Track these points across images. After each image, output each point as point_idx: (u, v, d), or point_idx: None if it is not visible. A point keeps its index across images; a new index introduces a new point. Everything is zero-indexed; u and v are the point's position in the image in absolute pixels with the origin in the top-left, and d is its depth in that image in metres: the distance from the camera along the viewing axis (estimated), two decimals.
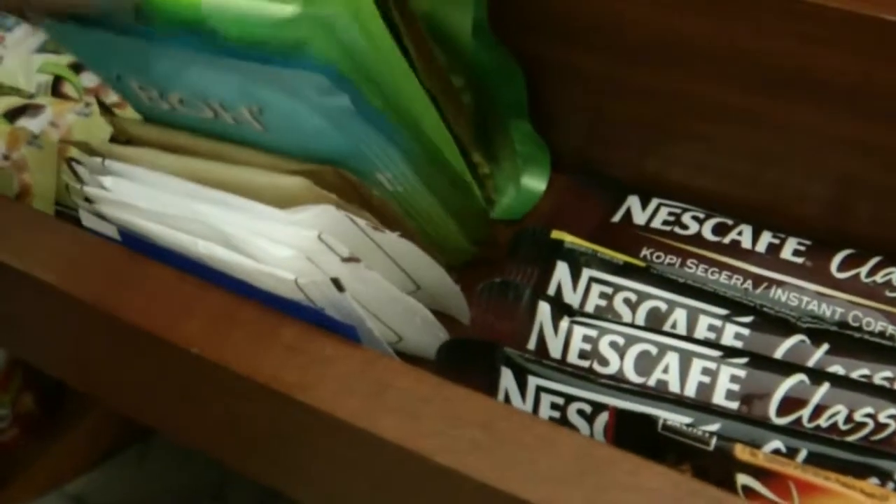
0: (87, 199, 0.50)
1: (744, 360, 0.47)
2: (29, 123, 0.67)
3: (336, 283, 0.42)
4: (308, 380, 0.42)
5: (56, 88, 0.70)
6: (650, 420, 0.43)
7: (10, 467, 1.01)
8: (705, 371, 0.47)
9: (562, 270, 0.52)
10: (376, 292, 0.45)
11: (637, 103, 0.55)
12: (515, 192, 0.59)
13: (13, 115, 0.68)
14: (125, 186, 0.48)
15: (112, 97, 0.67)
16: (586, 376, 0.46)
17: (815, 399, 0.46)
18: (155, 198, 0.47)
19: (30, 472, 1.03)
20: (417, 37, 0.49)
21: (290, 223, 0.44)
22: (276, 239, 0.44)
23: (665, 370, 0.47)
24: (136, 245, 0.48)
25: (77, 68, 0.70)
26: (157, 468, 1.03)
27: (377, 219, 0.47)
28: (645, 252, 0.53)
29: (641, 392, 0.46)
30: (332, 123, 0.45)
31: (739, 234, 0.53)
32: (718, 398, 0.47)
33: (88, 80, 0.70)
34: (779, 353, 0.48)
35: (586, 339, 0.49)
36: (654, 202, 0.55)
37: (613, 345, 0.48)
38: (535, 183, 0.59)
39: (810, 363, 0.47)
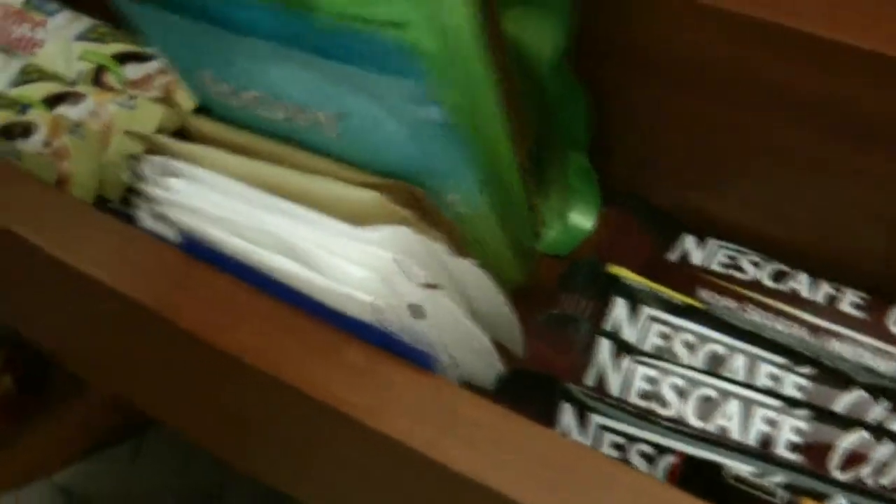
0: (147, 198, 0.49)
1: (806, 413, 0.46)
2: (69, 111, 0.66)
3: (414, 309, 0.41)
4: (377, 404, 0.41)
5: (98, 78, 0.69)
6: (719, 468, 0.43)
7: None
8: (767, 420, 0.46)
9: (619, 306, 0.51)
10: (446, 318, 0.44)
11: (700, 139, 0.54)
12: (563, 227, 0.58)
13: (52, 101, 0.67)
14: (191, 189, 0.47)
15: (155, 91, 0.66)
16: (649, 417, 0.46)
17: (877, 455, 0.45)
18: (222, 204, 0.46)
19: (9, 454, 1.02)
20: (503, 54, 0.48)
21: (364, 241, 0.43)
22: (350, 257, 0.43)
23: (727, 417, 0.47)
24: (196, 250, 0.47)
25: (121, 59, 0.69)
26: (151, 465, 1.02)
27: (443, 238, 0.46)
28: (702, 293, 0.53)
29: (705, 437, 0.45)
30: (414, 135, 0.44)
31: (798, 282, 0.53)
32: (780, 449, 0.46)
33: (132, 71, 0.68)
34: (838, 407, 0.48)
35: (648, 379, 0.48)
36: (711, 243, 0.55)
37: (675, 387, 0.48)
38: (583, 220, 0.58)
39: (870, 418, 0.47)
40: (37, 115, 0.64)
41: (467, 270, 0.46)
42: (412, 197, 0.46)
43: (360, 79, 0.42)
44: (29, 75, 0.68)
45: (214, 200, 0.46)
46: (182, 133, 0.53)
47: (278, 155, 0.47)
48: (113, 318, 0.50)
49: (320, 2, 0.42)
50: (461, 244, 0.48)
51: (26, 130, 0.63)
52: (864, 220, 0.52)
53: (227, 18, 0.44)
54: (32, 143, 0.63)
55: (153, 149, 0.49)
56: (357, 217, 0.45)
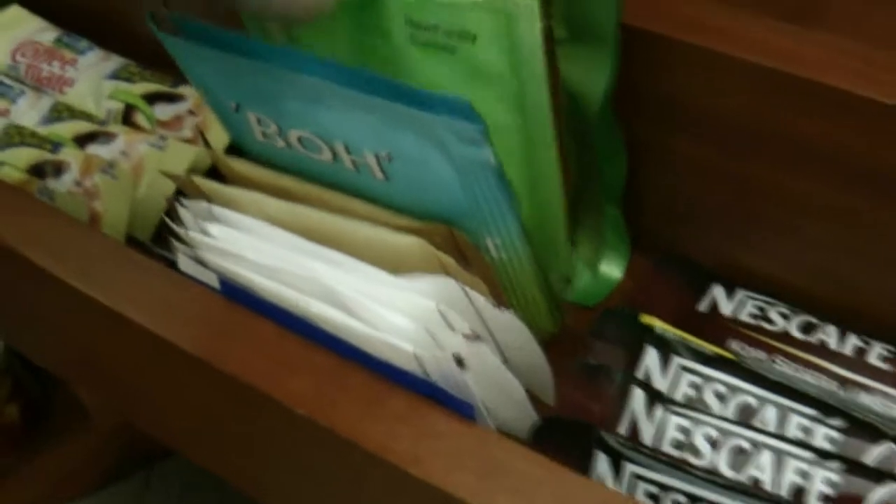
0: (187, 243, 0.49)
1: (838, 465, 0.47)
2: (99, 151, 0.66)
3: (458, 360, 0.41)
4: (420, 453, 0.41)
5: (127, 117, 0.70)
6: None
7: None
8: (799, 472, 0.47)
9: (651, 356, 0.52)
10: (486, 369, 0.45)
11: (730, 191, 0.55)
12: (592, 277, 0.59)
13: (82, 140, 0.67)
14: (232, 235, 0.48)
15: (185, 132, 0.66)
16: (683, 468, 0.46)
17: None
18: (263, 250, 0.47)
19: (13, 485, 1.02)
20: (559, 85, 0.49)
21: (407, 290, 0.44)
22: (392, 306, 0.44)
23: (759, 468, 0.47)
24: (236, 295, 0.48)
25: (151, 99, 0.69)
26: (161, 499, 1.02)
27: (482, 283, 0.47)
28: (732, 344, 0.53)
29: (739, 489, 0.45)
30: (464, 177, 0.45)
31: (826, 334, 0.53)
32: (812, 500, 0.46)
33: (162, 112, 0.69)
34: (869, 459, 0.48)
35: (681, 429, 0.48)
36: (740, 293, 0.55)
37: (708, 437, 0.48)
38: (613, 270, 0.59)
39: None
40: (69, 154, 0.65)
41: (506, 321, 0.46)
42: (453, 241, 0.46)
43: (417, 119, 0.43)
44: (59, 114, 0.69)
45: (255, 246, 0.47)
46: (215, 173, 0.53)
47: (317, 197, 0.48)
48: (149, 360, 0.50)
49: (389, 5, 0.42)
50: (499, 291, 0.48)
51: (58, 169, 0.64)
52: (891, 273, 0.52)
53: (278, 57, 0.45)
54: (64, 182, 0.64)
55: (190, 190, 0.50)
56: (398, 262, 0.45)
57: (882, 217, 0.51)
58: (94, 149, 0.66)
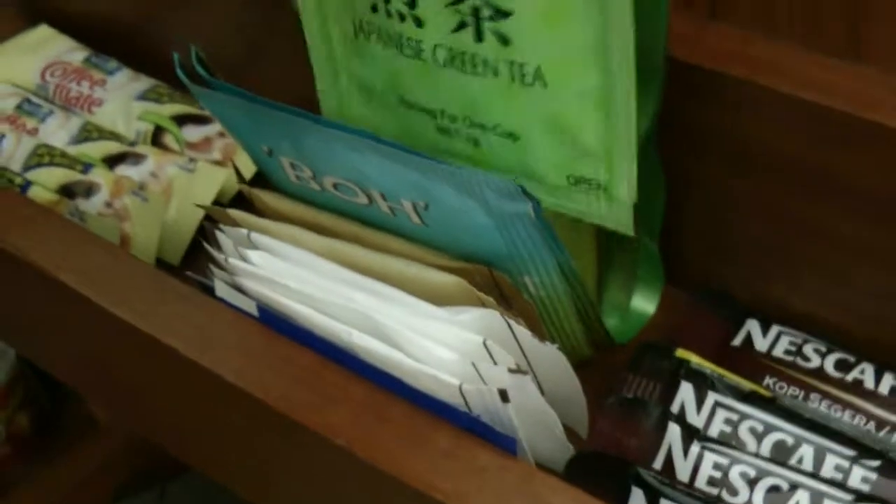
0: (226, 269, 0.49)
1: None
2: (129, 172, 0.66)
3: (503, 394, 0.41)
4: (464, 489, 0.41)
5: (157, 138, 0.70)
6: None
7: (2, 488, 0.99)
8: None
9: (686, 391, 0.52)
10: (529, 403, 0.44)
11: (768, 226, 0.55)
12: (620, 319, 0.59)
13: (112, 161, 0.67)
14: (272, 263, 0.48)
15: (215, 154, 0.66)
16: None
17: None
18: (304, 279, 0.47)
19: (25, 495, 1.02)
20: None
21: (451, 323, 0.44)
22: (437, 339, 0.44)
23: None
24: (275, 324, 0.48)
25: (180, 121, 0.69)
26: None
27: (522, 321, 0.47)
28: (768, 381, 0.53)
29: None
30: (500, 226, 0.45)
31: (862, 372, 0.53)
32: None
33: (191, 133, 0.69)
34: None
35: (717, 466, 0.48)
36: (775, 329, 0.55)
37: (744, 475, 0.48)
38: (645, 306, 0.58)
39: None
40: (99, 175, 0.65)
41: (547, 354, 0.46)
42: (492, 280, 0.46)
43: (456, 174, 0.43)
44: (89, 133, 0.69)
45: (296, 274, 0.47)
46: (242, 199, 0.53)
47: (353, 235, 0.48)
48: (186, 386, 0.50)
49: None
50: (539, 326, 0.48)
51: (88, 190, 0.64)
52: None
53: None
54: (94, 204, 0.63)
55: (225, 221, 0.50)
56: (438, 300, 0.45)
57: None
58: (124, 170, 0.66)
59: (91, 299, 0.50)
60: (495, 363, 0.43)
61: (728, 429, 0.51)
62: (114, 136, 0.69)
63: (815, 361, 0.54)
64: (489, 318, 0.44)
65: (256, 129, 0.49)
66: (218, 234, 0.49)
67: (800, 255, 0.54)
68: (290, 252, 0.48)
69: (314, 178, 0.48)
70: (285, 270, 0.47)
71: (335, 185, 0.48)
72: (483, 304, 0.45)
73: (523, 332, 0.44)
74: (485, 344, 0.43)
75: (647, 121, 0.49)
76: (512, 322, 0.44)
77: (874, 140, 0.48)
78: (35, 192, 0.63)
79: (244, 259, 0.48)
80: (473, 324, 0.44)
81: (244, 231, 0.49)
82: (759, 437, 0.50)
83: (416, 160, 0.43)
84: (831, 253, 0.53)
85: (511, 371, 0.42)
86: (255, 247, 0.48)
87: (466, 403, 0.43)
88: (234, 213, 0.50)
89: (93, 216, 0.62)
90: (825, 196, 0.52)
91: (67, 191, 0.64)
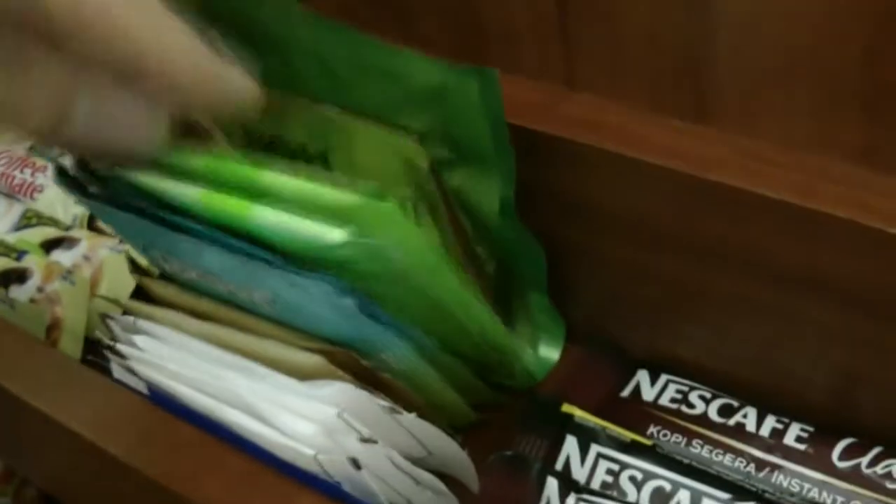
0: (118, 354, 0.52)
1: None
2: (63, 256, 0.70)
3: (354, 462, 0.44)
4: None
5: (91, 221, 0.73)
6: None
7: None
8: None
9: (570, 444, 0.54)
10: (393, 468, 0.47)
11: (651, 287, 0.56)
12: (531, 360, 0.61)
13: (49, 246, 0.71)
14: (156, 347, 0.50)
15: None
16: None
17: None
18: (183, 360, 0.50)
19: None
20: (451, 213, 0.51)
21: (312, 398, 0.46)
22: (298, 412, 0.46)
23: None
24: (164, 401, 0.50)
25: None
26: None
27: (384, 393, 0.49)
28: (652, 429, 0.55)
29: None
30: (340, 317, 0.47)
31: (744, 416, 0.55)
32: None
33: None
34: None
35: None
36: (663, 378, 0.57)
37: None
38: (549, 352, 0.61)
39: None
40: (32, 262, 0.68)
41: (413, 422, 0.48)
42: (352, 360, 0.49)
43: (283, 275, 0.46)
44: (29, 220, 0.72)
45: (176, 357, 0.50)
46: (145, 294, 0.56)
47: (230, 319, 0.51)
48: (96, 470, 0.53)
49: (263, 238, 0.45)
50: (407, 396, 0.51)
51: (21, 277, 0.67)
52: (809, 362, 0.54)
53: (163, 220, 0.48)
54: (27, 290, 0.67)
55: (122, 309, 0.53)
56: (303, 378, 0.48)
57: (790, 308, 0.52)
58: (59, 254, 0.70)
59: (6, 388, 0.53)
60: (355, 433, 0.46)
61: (610, 479, 0.53)
62: (52, 222, 0.72)
63: (700, 408, 0.56)
64: (347, 391, 0.46)
65: (130, 231, 0.52)
66: (109, 322, 0.52)
67: (679, 311, 0.56)
68: (172, 336, 0.51)
69: (182, 271, 0.52)
70: (167, 353, 0.50)
71: (200, 276, 0.51)
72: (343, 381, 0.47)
73: (382, 402, 0.47)
74: (340, 416, 0.45)
75: (498, 199, 0.52)
76: (371, 395, 0.47)
77: (721, 200, 0.50)
78: None
79: (132, 344, 0.51)
80: (332, 397, 0.46)
81: (131, 319, 0.52)
82: (639, 486, 0.52)
83: (244, 260, 0.46)
84: (710, 307, 0.55)
85: (363, 440, 0.45)
86: (141, 332, 0.51)
87: (326, 472, 0.45)
88: (129, 302, 0.54)
89: (22, 303, 0.65)
90: (699, 256, 0.54)
91: (3, 278, 0.67)
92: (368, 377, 0.49)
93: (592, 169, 0.53)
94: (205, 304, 0.52)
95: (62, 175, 0.51)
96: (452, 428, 0.52)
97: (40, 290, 0.67)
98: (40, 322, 0.65)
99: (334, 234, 0.44)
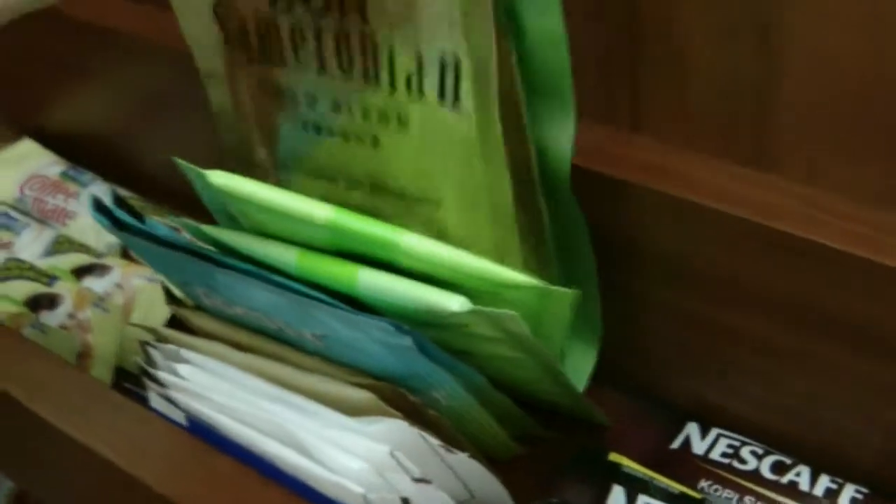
0: (158, 382, 0.50)
1: None
2: (95, 283, 0.68)
3: (405, 502, 0.42)
4: None
5: (125, 250, 0.71)
6: None
7: None
8: None
9: (618, 494, 0.52)
10: None
11: (703, 335, 0.55)
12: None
13: (80, 272, 0.69)
14: (199, 377, 0.49)
15: None
16: None
17: None
18: (228, 392, 0.48)
19: None
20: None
21: (362, 434, 0.45)
22: (347, 449, 0.44)
23: None
24: (203, 433, 0.49)
25: None
26: None
27: (433, 432, 0.48)
28: (703, 483, 0.53)
29: None
30: (392, 354, 0.46)
31: (797, 474, 0.53)
32: None
33: None
34: None
35: None
36: (714, 432, 0.56)
37: None
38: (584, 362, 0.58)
39: None
40: (63, 288, 0.67)
41: (463, 462, 0.47)
42: (400, 397, 0.47)
43: (337, 313, 0.45)
44: (60, 246, 0.71)
45: (220, 388, 0.48)
46: (181, 325, 0.55)
47: (276, 353, 0.50)
48: (120, 496, 0.51)
49: (371, 303, 0.46)
50: (453, 434, 0.49)
51: (52, 302, 0.66)
52: (863, 420, 0.52)
53: (210, 257, 0.48)
54: (57, 316, 0.65)
55: (161, 338, 0.51)
56: (350, 414, 0.46)
57: (849, 365, 0.51)
58: (91, 281, 0.68)
59: (33, 411, 0.52)
60: (404, 472, 0.44)
61: None
62: (84, 249, 0.71)
63: (752, 464, 0.54)
64: (399, 429, 0.45)
65: (168, 266, 0.51)
66: (150, 349, 0.51)
67: (731, 361, 0.55)
68: (216, 367, 0.49)
69: (228, 307, 0.50)
70: (211, 384, 0.49)
71: (246, 313, 0.50)
72: (393, 418, 0.46)
73: (433, 440, 0.45)
74: (392, 454, 0.44)
75: (570, 141, 0.50)
76: (423, 433, 0.45)
77: (785, 248, 0.49)
78: (3, 307, 0.65)
79: (174, 373, 0.50)
80: (383, 435, 0.45)
81: (174, 347, 0.50)
82: None
83: (300, 299, 0.45)
84: (759, 358, 0.54)
85: (415, 480, 0.43)
86: (184, 361, 0.50)
87: None
88: (165, 330, 0.52)
89: (53, 329, 0.64)
90: (743, 302, 0.52)
91: (34, 303, 0.66)
92: (415, 414, 0.48)
93: (652, 213, 0.52)
94: (245, 337, 0.51)
95: (99, 208, 0.50)
96: (492, 461, 0.51)
97: (71, 316, 0.65)
98: (71, 348, 0.64)
99: (451, 305, 0.44)
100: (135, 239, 0.50)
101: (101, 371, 0.64)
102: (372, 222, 0.46)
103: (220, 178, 0.47)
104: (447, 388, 0.48)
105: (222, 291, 0.50)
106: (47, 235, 0.73)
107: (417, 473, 0.43)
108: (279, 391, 0.47)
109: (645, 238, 0.53)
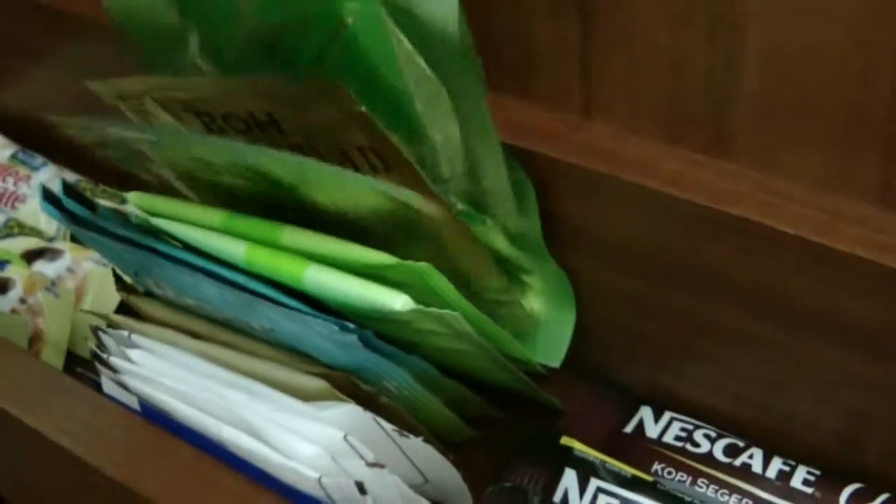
0: (110, 368, 0.50)
1: None
2: (46, 267, 0.67)
3: (360, 486, 0.42)
4: None
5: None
6: None
7: None
8: None
9: (569, 477, 0.52)
10: (394, 494, 0.45)
11: (657, 321, 0.55)
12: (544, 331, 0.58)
13: (31, 256, 0.68)
14: (151, 361, 0.49)
15: None
16: None
17: None
18: (181, 377, 0.48)
19: None
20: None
21: (315, 419, 0.45)
22: (301, 434, 0.44)
23: None
24: (156, 418, 0.48)
25: None
26: None
27: (386, 417, 0.48)
28: (656, 466, 0.54)
29: None
30: (340, 349, 0.46)
31: (750, 457, 0.54)
32: None
33: None
34: None
35: None
36: (667, 416, 0.56)
37: None
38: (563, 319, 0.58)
39: None
40: (14, 272, 0.66)
41: (416, 446, 0.47)
42: (352, 385, 0.47)
43: (281, 310, 0.45)
44: (10, 230, 0.70)
45: (172, 373, 0.48)
46: (133, 312, 0.55)
47: (228, 341, 0.50)
48: (75, 482, 0.51)
49: (315, 296, 0.45)
50: (407, 419, 0.49)
51: (3, 287, 0.65)
52: (816, 403, 0.53)
53: (159, 251, 0.48)
54: (8, 300, 0.64)
55: (113, 325, 0.51)
56: (304, 400, 0.46)
57: (798, 347, 0.51)
58: (41, 265, 0.67)
59: None
60: (359, 457, 0.44)
61: None
62: (34, 232, 0.70)
63: (705, 447, 0.54)
64: (353, 413, 0.45)
65: (119, 256, 0.51)
66: (101, 334, 0.51)
67: (685, 346, 0.55)
68: (168, 352, 0.49)
69: (177, 297, 0.50)
70: (163, 369, 0.48)
71: (196, 304, 0.49)
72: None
73: (386, 425, 0.45)
74: (346, 438, 0.43)
75: None
76: (377, 418, 0.45)
77: (740, 233, 0.49)
78: None
79: (126, 358, 0.49)
80: (337, 419, 0.45)
81: (125, 332, 0.50)
82: None
83: (245, 295, 0.45)
84: (713, 343, 0.54)
85: (369, 464, 0.43)
86: (135, 346, 0.49)
87: (329, 496, 0.43)
88: (117, 317, 0.52)
89: (4, 313, 0.63)
90: (700, 288, 0.53)
91: None
92: (368, 401, 0.47)
93: (606, 198, 0.52)
94: (196, 324, 0.51)
95: (48, 198, 0.49)
96: (448, 445, 0.51)
97: (23, 301, 0.65)
98: (22, 333, 0.63)
99: (395, 303, 0.44)
100: (84, 231, 0.49)
101: (53, 356, 0.64)
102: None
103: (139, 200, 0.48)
104: (397, 380, 0.48)
105: (172, 283, 0.49)
106: None
107: (371, 458, 0.43)
108: (232, 376, 0.47)
109: (599, 223, 0.53)
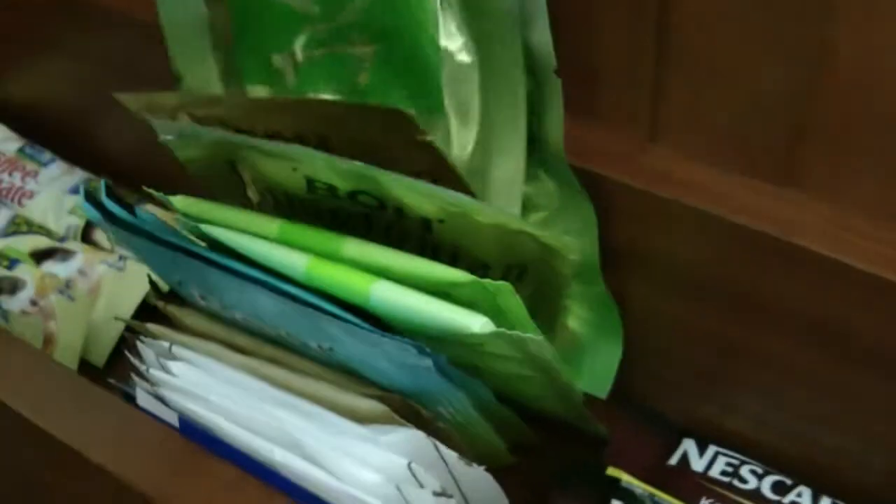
0: (148, 380, 0.48)
1: None
2: (56, 268, 0.65)
3: None
4: None
5: (86, 234, 0.68)
6: None
7: None
8: None
9: None
10: None
11: (710, 351, 0.54)
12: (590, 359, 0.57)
13: (40, 256, 0.66)
14: (194, 375, 0.46)
15: None
16: None
17: None
18: (226, 393, 0.45)
19: None
20: None
21: (376, 444, 0.42)
22: (361, 459, 0.42)
23: None
24: (195, 435, 0.46)
25: None
26: None
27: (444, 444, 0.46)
28: (704, 502, 0.52)
29: None
30: (404, 371, 0.44)
31: (799, 495, 0.52)
32: None
33: None
34: None
35: None
36: (712, 449, 0.54)
37: None
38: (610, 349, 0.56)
39: None
40: (26, 272, 0.63)
41: (475, 475, 0.45)
42: (409, 409, 0.45)
43: (351, 329, 0.42)
44: (17, 227, 0.67)
45: (218, 389, 0.46)
46: (163, 318, 0.52)
47: (270, 355, 0.47)
48: (106, 498, 0.48)
49: (383, 316, 0.43)
50: (461, 447, 0.47)
51: (14, 287, 0.62)
52: (867, 442, 0.52)
53: (212, 260, 0.45)
54: (19, 301, 0.62)
55: (153, 336, 0.49)
56: (358, 422, 0.44)
57: (855, 386, 0.50)
58: (51, 266, 0.65)
59: (7, 405, 0.49)
60: (421, 486, 0.42)
61: None
62: (43, 231, 0.67)
63: (752, 483, 0.53)
64: (414, 439, 0.43)
65: (162, 262, 0.49)
66: (139, 344, 0.48)
67: (734, 378, 0.54)
68: (212, 366, 0.46)
69: (223, 310, 0.48)
70: (207, 384, 0.46)
71: (245, 319, 0.47)
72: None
73: (450, 454, 0.43)
74: (409, 466, 0.41)
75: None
76: (439, 444, 0.43)
77: (807, 266, 0.48)
78: None
79: (166, 370, 0.47)
80: (398, 445, 0.43)
81: (166, 343, 0.47)
82: None
83: (310, 311, 0.43)
84: (764, 375, 0.53)
85: (436, 494, 0.41)
86: (177, 359, 0.47)
87: None
88: (153, 327, 0.49)
89: (15, 315, 0.60)
90: (757, 319, 0.51)
91: None
92: (425, 426, 0.45)
93: (667, 223, 0.50)
94: (240, 338, 0.48)
95: (90, 199, 0.47)
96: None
97: (34, 303, 0.62)
98: (33, 337, 0.60)
99: (472, 325, 0.41)
100: (126, 234, 0.47)
101: (65, 361, 0.61)
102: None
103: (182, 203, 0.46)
104: (455, 405, 0.46)
105: (219, 294, 0.47)
106: (3, 215, 0.69)
107: (438, 487, 0.41)
108: (282, 394, 0.45)
109: (660, 249, 0.52)
